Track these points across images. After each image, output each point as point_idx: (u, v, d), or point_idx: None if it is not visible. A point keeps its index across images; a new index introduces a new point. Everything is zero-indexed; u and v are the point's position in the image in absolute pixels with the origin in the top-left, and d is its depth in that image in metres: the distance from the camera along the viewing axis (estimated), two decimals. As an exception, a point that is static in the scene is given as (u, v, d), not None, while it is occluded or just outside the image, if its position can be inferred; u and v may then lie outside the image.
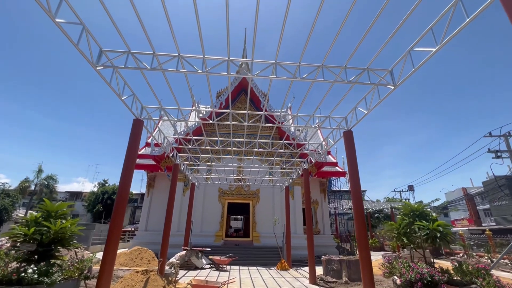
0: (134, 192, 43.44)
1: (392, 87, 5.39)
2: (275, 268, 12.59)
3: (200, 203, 17.37)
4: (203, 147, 10.00)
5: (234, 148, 10.18)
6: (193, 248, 12.27)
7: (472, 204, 46.20)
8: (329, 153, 22.39)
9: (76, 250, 7.24)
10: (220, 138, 9.95)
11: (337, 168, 21.72)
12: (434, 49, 4.31)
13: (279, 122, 8.96)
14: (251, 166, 14.05)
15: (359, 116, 6.69)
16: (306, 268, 12.85)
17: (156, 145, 18.80)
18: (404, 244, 5.98)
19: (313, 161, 10.13)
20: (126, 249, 15.67)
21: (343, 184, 23.60)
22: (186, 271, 11.23)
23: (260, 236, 16.87)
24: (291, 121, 17.10)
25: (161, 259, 8.34)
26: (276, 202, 17.84)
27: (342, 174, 21.49)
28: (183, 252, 12.00)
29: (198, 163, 11.64)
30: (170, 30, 4.75)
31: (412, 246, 5.94)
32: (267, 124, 8.57)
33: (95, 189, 37.56)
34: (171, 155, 10.02)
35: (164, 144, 9.99)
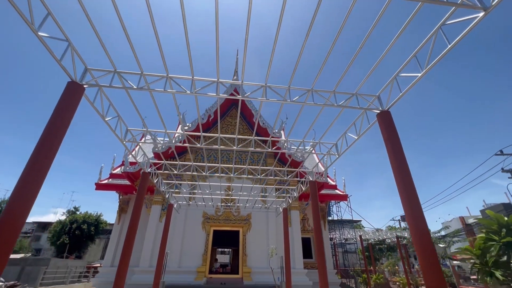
0: (109, 222, 38.92)
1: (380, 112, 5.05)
2: (273, 315, 9.67)
3: (179, 231, 14.44)
4: (187, 163, 7.80)
5: (223, 165, 8.31)
6: (164, 290, 9.30)
7: (472, 235, 44.05)
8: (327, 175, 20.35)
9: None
10: (206, 146, 7.91)
11: (337, 191, 19.54)
12: (419, 74, 4.31)
13: (271, 145, 7.30)
14: (243, 183, 11.76)
15: (349, 142, 6.54)
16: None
17: (132, 163, 16.28)
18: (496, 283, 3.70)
19: (312, 178, 8.06)
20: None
21: (343, 209, 21.07)
22: (152, 323, 8.19)
23: (252, 272, 13.85)
24: (283, 139, 14.93)
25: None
26: (270, 229, 15.14)
27: (344, 197, 19.26)
28: (151, 296, 9.00)
29: (175, 172, 9.23)
30: (159, 50, 4.40)
31: None
32: (258, 150, 6.61)
33: (63, 218, 33.09)
34: (140, 162, 7.67)
35: (139, 158, 7.79)
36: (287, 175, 9.60)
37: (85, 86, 4.28)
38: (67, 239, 29.62)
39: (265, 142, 17.78)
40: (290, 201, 11.42)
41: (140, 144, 8.67)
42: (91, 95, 4.90)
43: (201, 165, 8.88)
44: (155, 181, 9.35)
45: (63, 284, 18.22)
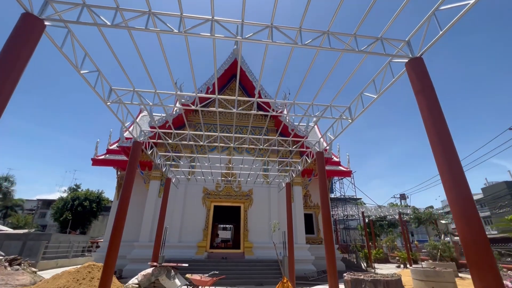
0: (111, 199, 39.22)
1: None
2: (275, 289, 9.44)
3: (179, 206, 14.11)
4: (183, 132, 7.07)
5: (222, 134, 7.66)
6: (163, 264, 8.98)
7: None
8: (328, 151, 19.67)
9: None
10: (205, 122, 7.15)
11: (340, 167, 19.01)
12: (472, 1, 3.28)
13: (274, 110, 6.52)
14: (243, 159, 11.15)
15: (365, 103, 5.63)
16: (315, 289, 9.78)
17: (129, 138, 15.61)
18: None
19: (319, 149, 7.37)
20: (78, 266, 12.07)
21: (347, 186, 20.72)
22: (151, 297, 7.92)
23: (254, 247, 13.68)
24: (286, 111, 14.25)
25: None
26: (272, 205, 14.79)
27: (347, 173, 18.78)
28: (149, 270, 8.68)
29: (170, 141, 8.56)
30: None
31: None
32: (260, 112, 5.81)
33: (65, 195, 33.22)
34: (134, 132, 6.95)
35: (130, 126, 7.08)
36: (291, 146, 8.92)
37: (46, 23, 3.36)
38: (70, 215, 29.88)
39: (266, 112, 16.96)
40: (293, 175, 10.86)
41: (133, 117, 7.91)
42: (58, 39, 3.96)
43: (198, 134, 8.17)
44: (149, 152, 8.71)
45: (66, 258, 18.41)
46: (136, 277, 8.61)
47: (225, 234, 35.46)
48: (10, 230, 26.96)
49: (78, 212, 30.52)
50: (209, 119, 16.32)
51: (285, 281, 9.52)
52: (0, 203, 39.22)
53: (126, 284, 8.46)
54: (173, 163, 11.87)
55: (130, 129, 7.94)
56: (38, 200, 58.62)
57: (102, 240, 26.05)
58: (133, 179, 6.55)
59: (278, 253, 10.59)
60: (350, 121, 6.01)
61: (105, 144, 17.67)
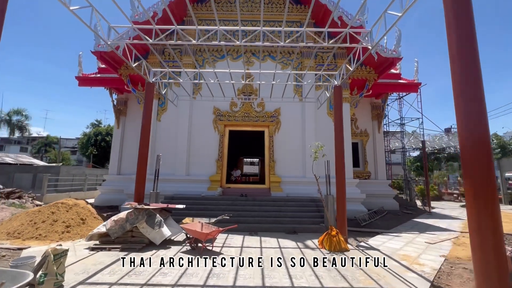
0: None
1: None
2: (317, 243, 6.17)
3: (183, 131, 10.79)
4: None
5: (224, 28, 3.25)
6: (144, 206, 5.90)
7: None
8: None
9: None
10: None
11: (401, 81, 13.66)
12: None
13: None
14: (264, 68, 6.73)
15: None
16: (377, 242, 6.22)
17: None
18: None
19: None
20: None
21: (407, 108, 15.14)
22: (124, 254, 5.02)
23: (282, 182, 10.38)
24: None
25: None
26: (308, 128, 10.77)
27: (413, 87, 13.47)
28: (123, 214, 5.70)
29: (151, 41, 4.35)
30: None
31: None
32: None
33: (87, 130, 32.69)
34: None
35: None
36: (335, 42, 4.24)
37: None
38: (95, 150, 29.50)
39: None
40: (351, 68, 6.34)
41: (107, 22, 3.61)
42: None
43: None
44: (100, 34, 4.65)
45: (82, 191, 17.40)
46: (104, 223, 5.70)
47: (253, 169, 33.49)
48: (41, 163, 27.51)
49: (102, 147, 30.00)
50: (206, 13, 11.48)
51: (334, 233, 6.09)
52: (42, 141, 40.95)
53: (91, 232, 5.67)
54: (161, 68, 7.87)
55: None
56: (77, 138, 62.12)
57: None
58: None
59: (319, 189, 7.06)
60: None
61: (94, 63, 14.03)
